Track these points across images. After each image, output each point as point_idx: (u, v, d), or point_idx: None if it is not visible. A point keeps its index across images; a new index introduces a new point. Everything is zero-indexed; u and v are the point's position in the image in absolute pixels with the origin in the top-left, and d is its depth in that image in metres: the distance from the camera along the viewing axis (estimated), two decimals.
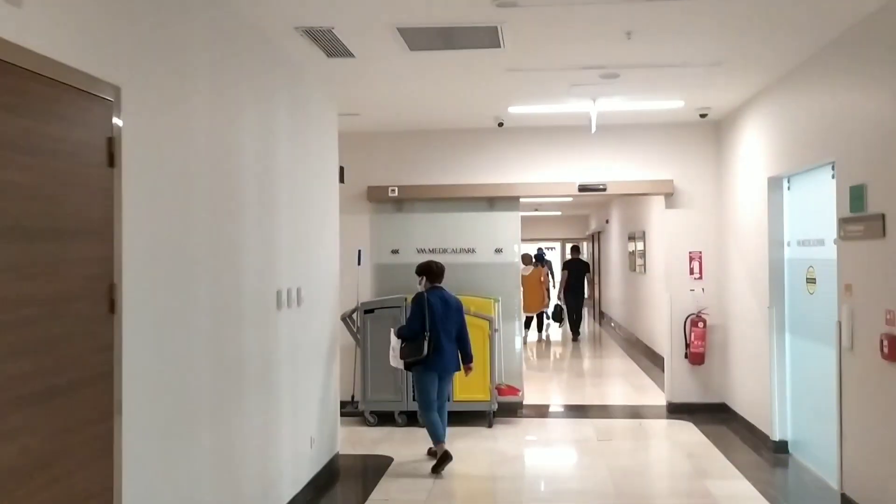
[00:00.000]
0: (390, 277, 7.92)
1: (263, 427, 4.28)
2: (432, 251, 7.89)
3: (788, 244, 5.95)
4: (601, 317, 19.46)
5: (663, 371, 9.96)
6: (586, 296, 15.55)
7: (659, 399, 8.24)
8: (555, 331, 16.40)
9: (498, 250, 7.83)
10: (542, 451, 6.54)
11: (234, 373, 3.91)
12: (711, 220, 7.63)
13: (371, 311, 7.24)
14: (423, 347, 5.76)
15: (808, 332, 5.63)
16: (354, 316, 7.40)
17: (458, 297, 7.41)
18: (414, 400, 7.18)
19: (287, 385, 4.71)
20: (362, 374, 7.22)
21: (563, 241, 25.12)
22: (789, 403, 6.03)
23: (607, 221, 18.13)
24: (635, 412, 7.87)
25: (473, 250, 7.86)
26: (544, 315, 15.67)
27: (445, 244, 7.90)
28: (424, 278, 6.15)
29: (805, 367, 5.76)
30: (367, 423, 7.21)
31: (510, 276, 7.83)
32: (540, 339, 15.17)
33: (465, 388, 7.13)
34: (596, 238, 21.02)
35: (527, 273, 15.63)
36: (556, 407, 8.14)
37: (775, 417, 6.09)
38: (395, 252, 7.93)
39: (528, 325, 14.74)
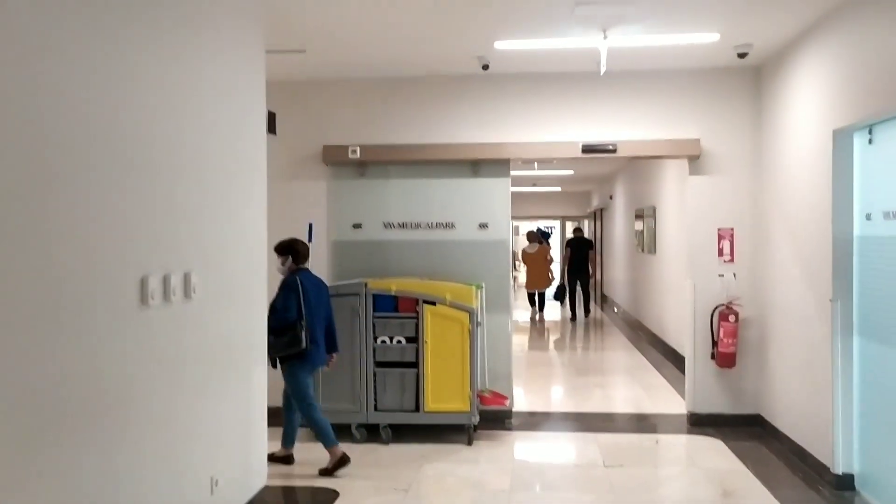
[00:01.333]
0: (351, 258, 6.48)
1: (108, 482, 2.86)
2: (403, 225, 6.45)
3: (868, 217, 4.48)
4: (603, 300, 18.06)
5: (677, 367, 8.57)
6: (590, 274, 15.01)
7: (676, 406, 6.84)
8: (553, 312, 15.28)
9: (482, 225, 6.39)
10: (534, 483, 5.13)
11: (47, 411, 2.48)
12: (747, 188, 6.18)
13: None
14: (302, 339, 4.98)
15: (887, 335, 4.21)
16: None
17: (431, 281, 6.00)
18: (377, 410, 5.78)
19: (165, 413, 3.28)
20: None
21: (563, 219, 23.66)
22: (857, 425, 4.62)
23: (611, 197, 16.68)
24: (649, 424, 6.47)
25: (452, 225, 6.41)
26: (545, 294, 15.04)
27: (418, 217, 6.45)
28: (289, 258, 5.17)
29: (880, 380, 4.34)
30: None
31: (498, 258, 6.38)
32: (535, 321, 14.22)
33: (439, 396, 5.72)
34: (598, 216, 19.56)
35: (532, 251, 14.44)
36: (551, 416, 6.73)
37: (838, 443, 4.67)
38: (357, 227, 6.48)
39: (532, 301, 14.71)
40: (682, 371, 8.20)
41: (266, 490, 4.54)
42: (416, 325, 5.75)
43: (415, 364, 5.77)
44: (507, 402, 6.08)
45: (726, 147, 6.19)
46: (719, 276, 6.19)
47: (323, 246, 6.48)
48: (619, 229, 15.30)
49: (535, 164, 13.54)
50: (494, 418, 6.16)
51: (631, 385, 7.94)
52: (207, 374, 3.71)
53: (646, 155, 6.34)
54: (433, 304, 5.72)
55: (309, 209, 6.47)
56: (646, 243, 11.53)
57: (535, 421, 6.48)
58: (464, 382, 5.70)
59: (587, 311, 14.73)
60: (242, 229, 4.18)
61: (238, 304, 4.11)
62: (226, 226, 3.95)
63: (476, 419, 5.73)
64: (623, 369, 8.96)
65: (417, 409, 5.74)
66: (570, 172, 15.56)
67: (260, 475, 4.47)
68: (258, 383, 4.39)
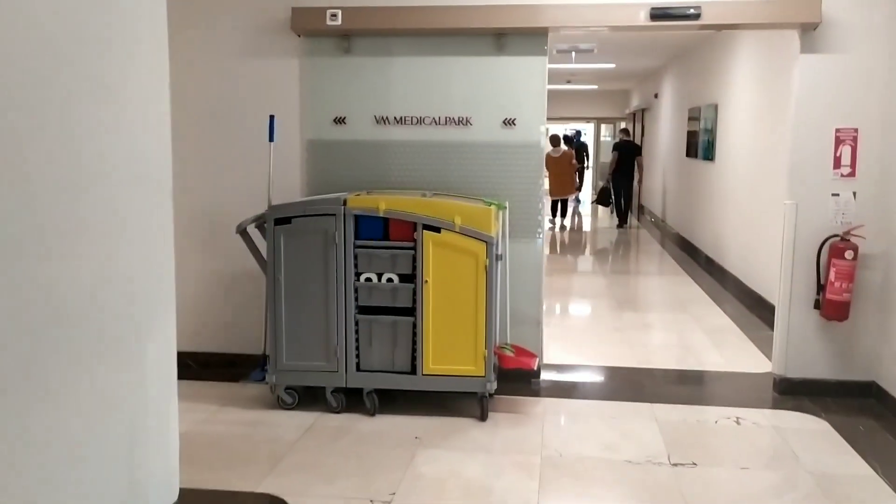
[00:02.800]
0: (330, 164, 4.86)
1: None
2: (400, 121, 4.78)
3: None
4: (640, 210, 16.33)
5: (743, 304, 6.97)
6: (636, 180, 14.33)
7: (754, 363, 5.29)
8: (583, 220, 14.13)
9: (508, 122, 4.70)
10: (569, 492, 3.64)
11: None
12: (883, 74, 4.40)
13: (286, 220, 4.24)
14: None
15: None
16: (263, 227, 4.44)
17: (436, 199, 4.38)
18: (359, 370, 4.30)
19: None
20: (272, 324, 4.30)
21: (598, 121, 21.63)
22: None
23: (656, 96, 14.70)
24: (722, 390, 4.92)
25: (467, 121, 4.73)
26: (568, 201, 14.42)
27: (421, 110, 4.77)
28: None
29: None
30: (280, 405, 4.36)
31: (528, 166, 4.72)
32: (556, 231, 13.18)
33: (443, 354, 4.20)
34: (638, 117, 17.57)
35: (556, 155, 12.81)
36: (590, 373, 5.20)
37: None
38: (339, 122, 4.83)
39: (553, 210, 13.76)
40: (752, 309, 6.62)
41: None
42: (414, 259, 4.18)
43: (411, 311, 4.24)
44: (536, 363, 4.55)
45: (859, 13, 4.38)
46: (833, 195, 4.50)
47: (293, 148, 4.86)
48: (665, 132, 13.43)
49: (573, 53, 11.64)
50: (516, 377, 4.67)
51: (690, 327, 6.37)
52: (57, 346, 2.18)
53: (741, 23, 4.53)
54: (437, 230, 4.13)
55: (274, 98, 4.82)
56: (701, 148, 9.73)
57: (570, 381, 4.96)
58: (477, 336, 4.17)
59: (624, 220, 13.80)
60: (113, 124, 2.55)
61: (108, 244, 2.53)
62: (75, 109, 2.33)
63: (493, 386, 4.23)
64: (675, 303, 7.37)
65: (413, 370, 4.25)
66: (612, 66, 13.60)
67: (161, 484, 2.99)
68: (158, 365, 2.85)
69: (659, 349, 5.77)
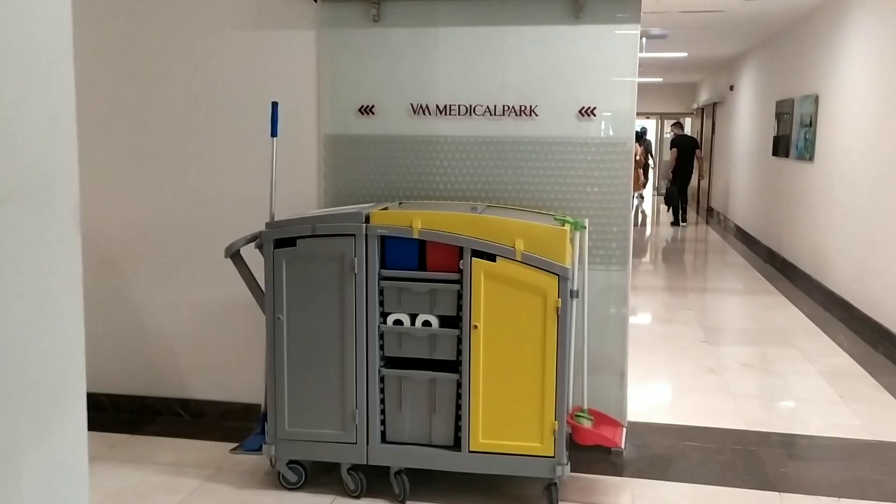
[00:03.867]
0: (354, 166, 3.78)
1: None
2: (443, 111, 3.68)
3: None
4: (708, 213, 14.97)
5: (861, 336, 5.70)
6: (701, 176, 14.40)
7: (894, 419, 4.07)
8: (650, 217, 13.29)
9: (586, 112, 3.57)
10: None
11: None
12: None
13: (289, 241, 3.18)
14: None
15: None
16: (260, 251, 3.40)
17: (490, 215, 3.27)
18: (385, 442, 3.23)
19: None
20: (271, 379, 3.25)
21: (661, 117, 20.22)
22: None
23: (732, 88, 13.33)
24: (870, 471, 3.69)
25: (533, 111, 3.60)
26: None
27: (471, 96, 3.66)
28: None
29: None
30: (282, 484, 3.31)
31: (612, 171, 3.57)
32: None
33: (497, 425, 3.10)
34: (707, 112, 16.15)
35: None
36: (687, 439, 4.02)
37: None
38: (366, 112, 3.75)
39: None
40: (876, 345, 5.38)
41: None
42: (460, 297, 3.09)
43: (455, 365, 3.15)
44: (622, 436, 3.40)
45: None
46: None
47: (307, 145, 3.81)
48: (742, 128, 12.06)
49: (643, 40, 10.40)
50: (592, 457, 3.54)
51: (802, 368, 5.14)
52: None
53: None
54: (492, 258, 3.03)
55: (284, 81, 3.78)
56: (795, 146, 8.41)
57: (661, 451, 3.81)
58: (545, 402, 3.05)
59: (683, 219, 13.53)
60: None
61: None
62: None
63: (566, 470, 3.11)
64: (776, 333, 6.12)
65: (457, 445, 3.16)
66: (683, 55, 12.31)
67: None
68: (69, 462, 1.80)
69: (770, 401, 4.55)
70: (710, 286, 8.29)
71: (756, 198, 10.70)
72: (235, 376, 4.02)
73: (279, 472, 3.30)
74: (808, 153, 7.96)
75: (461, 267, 3.06)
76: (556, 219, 3.25)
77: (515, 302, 3.04)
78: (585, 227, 3.30)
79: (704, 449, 3.80)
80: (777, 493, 3.32)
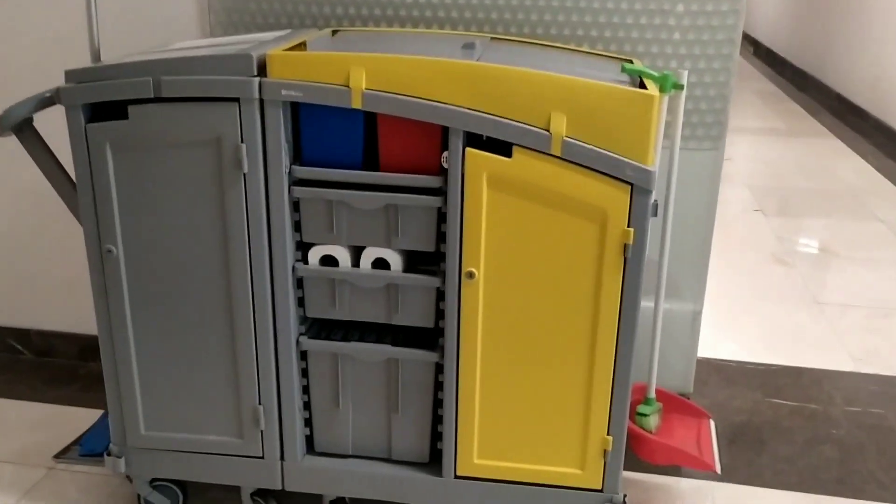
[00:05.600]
0: None
1: None
2: None
3: None
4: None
5: None
6: None
7: None
8: None
9: None
10: None
11: None
12: None
13: (114, 108, 1.66)
14: None
15: None
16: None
17: (506, 44, 1.68)
18: (313, 452, 1.88)
19: None
20: (111, 356, 1.85)
21: None
22: None
23: None
24: None
25: None
26: None
27: None
28: None
29: None
30: None
31: None
32: None
33: (507, 436, 1.78)
34: None
35: None
36: (788, 394, 2.72)
37: None
38: None
39: None
40: None
41: None
42: (443, 218, 1.65)
43: (432, 336, 1.77)
44: (713, 446, 2.07)
45: None
46: None
47: None
48: None
49: None
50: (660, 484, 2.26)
51: None
52: None
53: None
54: (503, 148, 1.56)
55: None
56: None
57: (745, 416, 2.54)
58: (591, 405, 1.72)
59: None
60: None
61: None
62: None
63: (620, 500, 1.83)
64: (849, 195, 4.74)
65: (436, 464, 1.84)
66: None
67: None
68: None
69: (877, 315, 3.26)
70: (743, 124, 6.79)
71: (789, 8, 8.94)
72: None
73: (139, 496, 2.00)
74: None
75: (445, 164, 1.60)
76: (625, 69, 1.73)
77: (547, 231, 1.61)
78: (683, 87, 1.77)
79: (808, 413, 2.53)
80: None
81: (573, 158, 1.55)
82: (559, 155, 1.55)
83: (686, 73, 1.75)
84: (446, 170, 1.60)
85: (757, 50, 10.15)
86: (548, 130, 1.54)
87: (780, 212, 4.44)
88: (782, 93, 7.83)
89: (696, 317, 2.32)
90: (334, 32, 1.99)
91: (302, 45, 1.72)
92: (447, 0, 2.07)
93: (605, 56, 1.96)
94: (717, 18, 2.03)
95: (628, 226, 1.59)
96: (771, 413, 2.50)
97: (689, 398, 2.19)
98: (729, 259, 3.77)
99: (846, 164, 5.34)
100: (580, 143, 1.54)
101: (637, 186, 1.56)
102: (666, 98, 1.73)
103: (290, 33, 1.91)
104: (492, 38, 1.98)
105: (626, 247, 1.60)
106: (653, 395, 2.02)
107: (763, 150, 5.84)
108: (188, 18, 2.23)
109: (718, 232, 4.14)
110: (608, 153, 1.54)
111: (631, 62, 1.87)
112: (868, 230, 4.13)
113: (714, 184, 2.19)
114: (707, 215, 2.23)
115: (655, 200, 1.64)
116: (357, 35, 1.95)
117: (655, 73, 1.65)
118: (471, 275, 1.65)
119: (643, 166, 1.54)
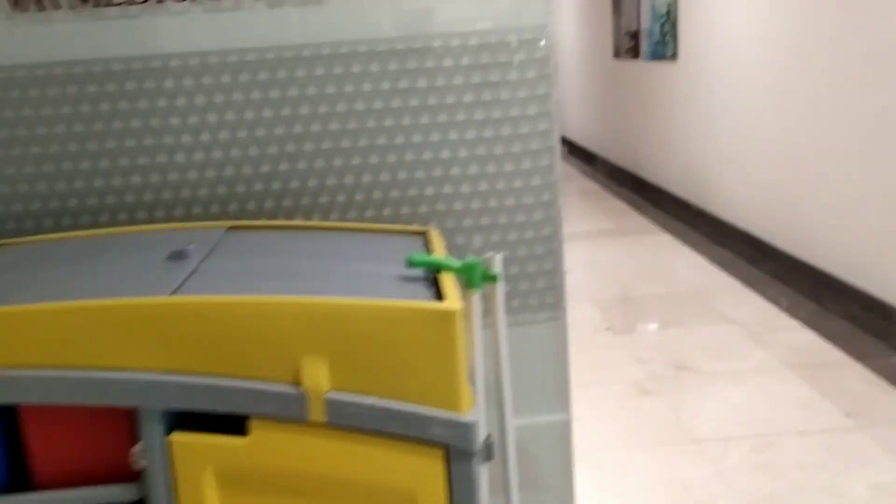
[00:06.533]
0: None
1: None
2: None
3: None
4: None
5: (797, 290, 4.20)
6: None
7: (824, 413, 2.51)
8: None
9: None
10: None
11: None
12: None
13: None
14: None
15: None
16: None
17: (224, 249, 1.09)
18: None
19: None
20: None
21: None
22: None
23: None
24: None
25: None
26: None
27: None
28: None
29: None
30: None
31: (523, 109, 1.56)
32: None
33: None
34: None
35: None
36: None
37: None
38: None
39: None
40: (818, 300, 3.85)
41: None
42: None
43: None
44: None
45: None
46: None
47: None
48: (571, 28, 10.47)
49: None
50: None
51: (761, 361, 3.53)
52: None
53: None
54: (234, 424, 0.97)
55: None
56: (649, 42, 6.84)
57: None
58: None
59: None
60: None
61: None
62: None
63: None
64: (694, 296, 4.52)
65: None
66: None
67: None
68: None
69: (757, 449, 2.87)
70: (574, 229, 6.61)
71: (595, 108, 9.19)
72: None
73: None
74: (668, 49, 6.40)
75: (138, 462, 0.97)
76: (412, 262, 1.20)
77: None
78: (496, 279, 1.26)
79: None
80: None
81: (346, 423, 0.98)
82: (323, 421, 0.97)
83: (500, 256, 1.24)
84: (141, 466, 0.98)
85: (572, 149, 10.36)
86: (300, 386, 0.96)
87: (630, 327, 4.10)
88: (603, 190, 7.85)
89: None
90: None
91: None
92: (176, 178, 1.49)
93: (387, 231, 1.44)
94: (537, 178, 1.58)
95: (448, 498, 1.02)
96: None
97: None
98: (591, 397, 3.32)
99: (681, 260, 5.18)
100: (354, 399, 0.98)
101: (454, 447, 1.01)
102: (478, 292, 1.21)
103: None
104: (228, 229, 1.41)
105: None
106: None
107: (598, 255, 5.61)
108: None
109: (573, 362, 3.70)
110: (400, 406, 0.98)
111: (425, 235, 1.35)
112: (721, 334, 3.85)
113: (562, 354, 1.69)
114: (559, 397, 1.72)
115: (489, 436, 1.09)
116: (23, 248, 1.32)
117: (456, 263, 1.13)
118: None
119: (456, 417, 1.00)
